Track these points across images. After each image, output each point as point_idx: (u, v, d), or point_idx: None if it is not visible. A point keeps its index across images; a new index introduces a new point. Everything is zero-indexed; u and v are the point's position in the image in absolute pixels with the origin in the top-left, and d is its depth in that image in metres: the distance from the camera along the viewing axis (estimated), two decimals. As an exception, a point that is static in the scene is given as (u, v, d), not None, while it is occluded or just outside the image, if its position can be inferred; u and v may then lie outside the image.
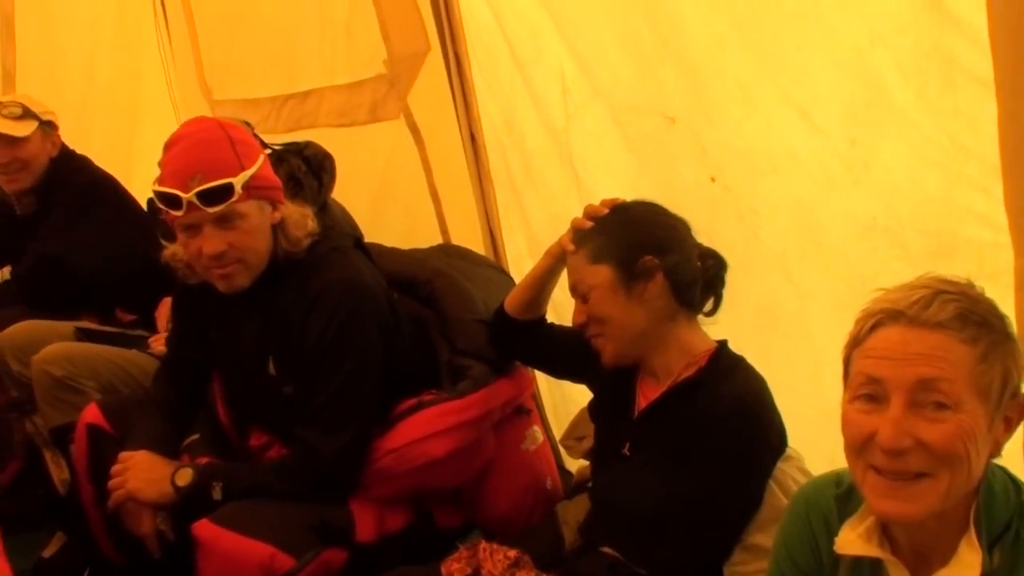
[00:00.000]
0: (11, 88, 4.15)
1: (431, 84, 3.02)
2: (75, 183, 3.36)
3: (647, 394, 1.97)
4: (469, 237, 3.04)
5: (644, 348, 1.95)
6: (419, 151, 3.19)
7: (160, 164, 2.09)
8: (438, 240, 3.20)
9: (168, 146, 2.07)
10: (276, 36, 3.55)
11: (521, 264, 2.88)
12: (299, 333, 2.11)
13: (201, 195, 1.98)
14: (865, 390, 1.25)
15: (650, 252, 1.89)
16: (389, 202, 3.30)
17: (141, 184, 3.66)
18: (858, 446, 1.25)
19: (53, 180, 3.36)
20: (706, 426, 1.82)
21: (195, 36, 4.02)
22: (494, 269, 2.69)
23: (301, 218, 2.16)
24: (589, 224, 1.97)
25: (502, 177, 2.90)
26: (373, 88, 3.18)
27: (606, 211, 1.98)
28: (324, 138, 2.86)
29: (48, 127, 3.38)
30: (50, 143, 3.38)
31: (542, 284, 2.17)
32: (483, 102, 2.84)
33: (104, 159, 3.62)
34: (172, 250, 2.18)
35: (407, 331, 2.29)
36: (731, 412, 1.82)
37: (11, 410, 3.03)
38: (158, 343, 2.92)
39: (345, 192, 2.89)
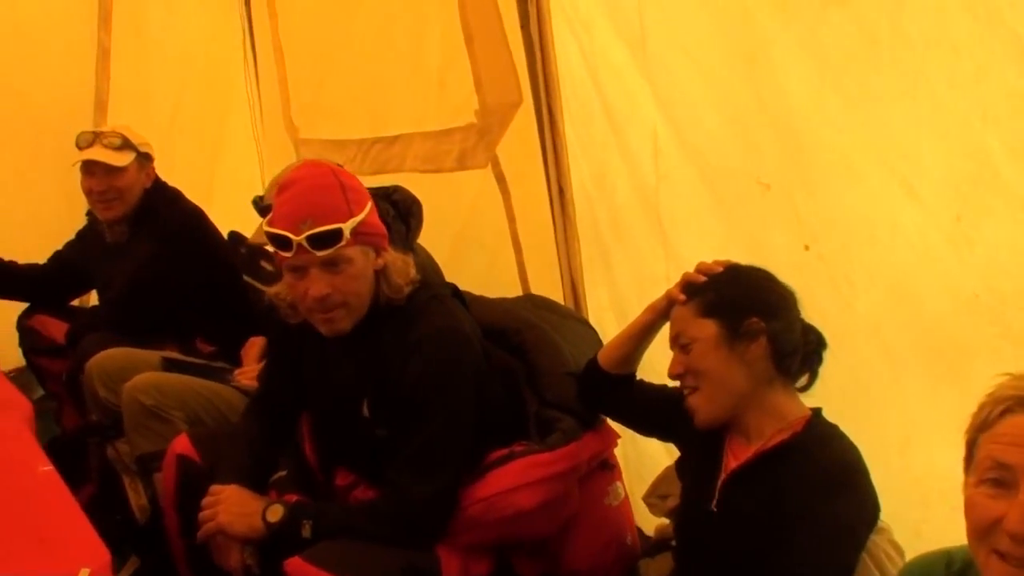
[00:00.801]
0: (103, 116, 4.29)
1: (520, 135, 3.07)
2: (166, 215, 3.44)
3: (737, 454, 1.98)
4: (548, 288, 3.06)
5: (738, 408, 1.96)
6: (504, 200, 3.25)
7: (272, 205, 2.14)
8: (517, 288, 3.24)
9: (282, 189, 2.14)
10: (368, 81, 3.64)
11: (603, 317, 2.91)
12: (397, 378, 2.15)
13: (311, 239, 2.04)
14: (992, 475, 1.26)
15: (757, 314, 1.92)
16: (470, 248, 3.35)
17: (219, 217, 3.75)
18: (983, 530, 1.26)
19: (145, 211, 3.44)
20: (801, 492, 1.83)
21: (284, 76, 4.13)
22: (579, 322, 2.71)
23: (404, 266, 2.20)
24: (702, 279, 2.01)
25: (588, 231, 2.93)
26: (462, 137, 3.25)
27: (719, 269, 2.02)
28: (408, 182, 2.91)
29: (144, 159, 3.47)
30: (145, 174, 3.47)
31: (640, 339, 2.20)
32: (574, 156, 2.88)
33: (185, 191, 3.69)
34: (276, 289, 2.23)
35: (498, 381, 2.31)
36: (828, 480, 1.83)
37: (92, 434, 3.09)
38: (243, 376, 2.97)
39: (426, 236, 2.94)
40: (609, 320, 2.89)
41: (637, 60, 2.57)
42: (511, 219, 3.24)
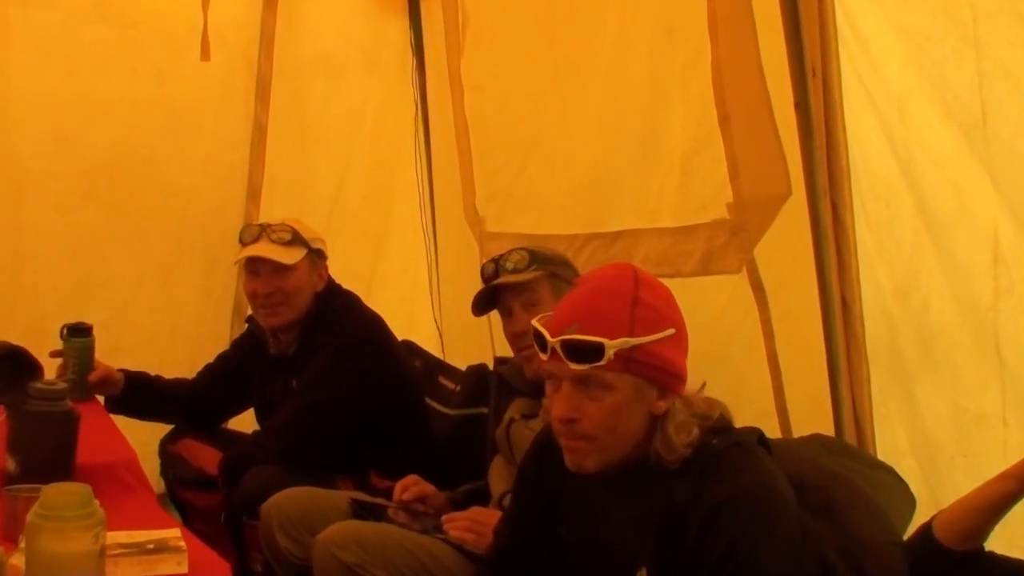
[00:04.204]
0: (256, 204, 4.34)
1: (786, 235, 2.94)
2: (342, 324, 3.36)
3: None
4: (815, 422, 2.87)
5: None
6: (760, 312, 3.09)
7: None
8: (771, 419, 3.06)
9: (575, 285, 2.13)
10: (583, 168, 3.59)
11: (899, 463, 2.68)
12: (694, 543, 1.96)
13: (566, 345, 1.94)
14: None
15: None
16: (713, 368, 3.12)
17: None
18: None
19: (317, 318, 3.37)
20: None
21: (468, 159, 4.10)
22: (888, 472, 2.51)
23: (688, 423, 2.03)
24: None
25: (882, 355, 2.76)
26: (708, 235, 3.14)
27: None
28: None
29: (317, 256, 3.42)
30: (317, 275, 3.42)
31: (995, 512, 1.99)
32: (866, 263, 2.73)
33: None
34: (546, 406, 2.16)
35: (808, 551, 2.12)
36: None
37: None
38: (453, 526, 2.82)
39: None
40: (910, 467, 2.70)
41: (974, 147, 2.42)
42: (768, 335, 3.07)
